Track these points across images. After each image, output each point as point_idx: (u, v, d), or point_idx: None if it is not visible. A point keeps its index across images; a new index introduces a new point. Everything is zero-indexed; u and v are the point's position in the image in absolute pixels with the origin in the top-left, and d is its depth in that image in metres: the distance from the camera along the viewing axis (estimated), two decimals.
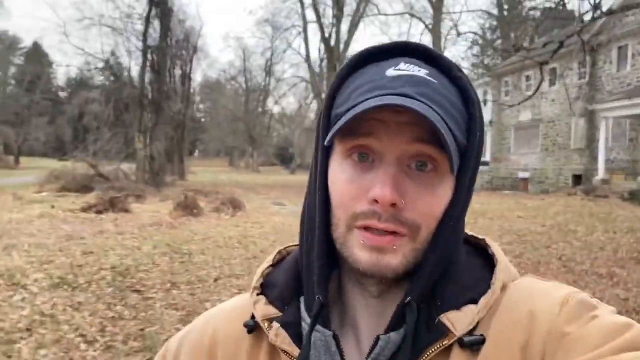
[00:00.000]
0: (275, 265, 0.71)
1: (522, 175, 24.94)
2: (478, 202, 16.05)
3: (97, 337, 4.07)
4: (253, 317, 0.65)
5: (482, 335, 0.57)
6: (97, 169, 20.67)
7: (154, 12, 21.85)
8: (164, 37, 22.99)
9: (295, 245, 0.72)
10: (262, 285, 0.68)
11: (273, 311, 0.64)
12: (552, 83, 23.40)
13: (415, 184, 0.57)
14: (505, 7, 37.70)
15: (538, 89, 7.50)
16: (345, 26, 29.44)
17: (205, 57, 45.91)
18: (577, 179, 21.29)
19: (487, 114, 27.26)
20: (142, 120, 20.80)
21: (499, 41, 38.06)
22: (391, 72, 0.58)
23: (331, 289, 0.63)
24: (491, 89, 27.93)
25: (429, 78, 0.58)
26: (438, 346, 0.57)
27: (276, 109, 55.71)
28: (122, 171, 21.96)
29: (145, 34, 21.34)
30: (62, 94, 58.22)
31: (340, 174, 0.59)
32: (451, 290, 0.60)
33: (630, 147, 19.10)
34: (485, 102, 27.53)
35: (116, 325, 4.37)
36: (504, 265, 0.64)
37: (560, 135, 22.88)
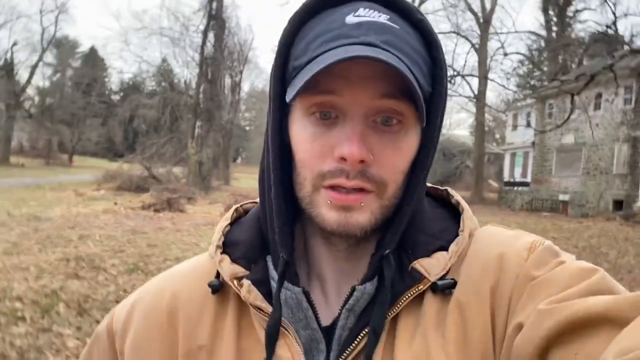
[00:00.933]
0: (232, 223, 0.69)
1: (562, 197, 24.98)
2: (515, 222, 16.43)
3: None
4: (217, 276, 0.64)
5: (452, 279, 0.59)
6: (150, 171, 21.99)
7: (210, 25, 23.13)
8: (219, 49, 24.25)
9: (252, 202, 0.73)
10: (223, 243, 0.66)
11: (240, 270, 0.63)
12: (597, 107, 23.48)
13: (381, 139, 0.56)
14: (554, 28, 37.72)
15: (568, 118, 8.00)
16: None
17: (254, 67, 47.22)
18: (618, 205, 21.28)
19: (530, 135, 27.42)
20: (195, 127, 22.03)
21: (546, 63, 38.02)
22: (351, 19, 0.55)
23: (297, 245, 0.63)
24: (535, 111, 28.07)
25: (390, 23, 0.56)
26: (413, 291, 0.58)
27: None
28: (173, 174, 23.27)
29: (202, 46, 22.64)
30: (115, 97, 60.80)
31: (303, 132, 0.57)
32: (421, 239, 0.61)
33: None
34: (528, 123, 27.71)
35: None
36: (469, 213, 0.66)
37: (602, 159, 22.90)
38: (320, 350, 0.60)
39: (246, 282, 0.61)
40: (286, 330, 0.59)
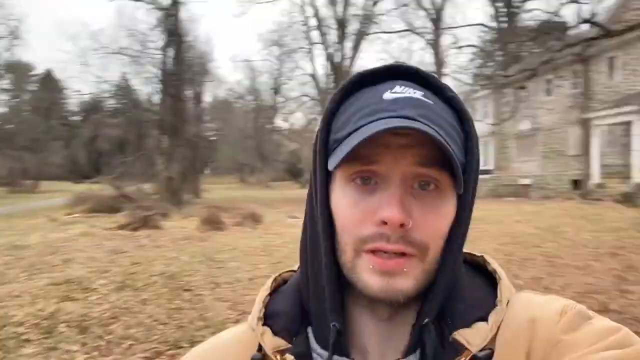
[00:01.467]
0: (272, 293, 0.70)
1: (523, 181, 26.01)
2: (479, 209, 17.07)
3: (168, 321, 5.28)
4: (259, 349, 0.64)
5: (490, 348, 0.59)
6: (121, 190, 22.02)
7: (169, 41, 23.35)
8: (179, 64, 24.44)
9: (289, 271, 0.73)
10: (264, 315, 0.66)
11: (282, 342, 0.63)
12: (548, 93, 24.56)
13: (419, 203, 0.57)
14: (502, 19, 38.98)
15: (515, 111, 8.59)
16: (349, 44, 30.91)
17: (214, 78, 47.43)
18: (576, 184, 22.32)
19: (489, 124, 28.41)
20: (162, 144, 22.22)
21: (498, 53, 39.25)
22: (388, 95, 0.59)
23: None
24: (492, 101, 29.08)
25: (425, 99, 0.59)
26: None
27: (284, 125, 57.22)
28: (143, 191, 23.32)
29: (164, 63, 22.84)
30: (75, 118, 60.06)
31: (343, 199, 0.59)
32: (460, 309, 0.61)
33: (624, 152, 20.15)
34: (485, 112, 28.70)
35: (180, 313, 5.57)
36: (506, 281, 0.66)
37: (558, 142, 23.98)
38: None
39: (289, 357, 0.61)
40: None
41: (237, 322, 5.18)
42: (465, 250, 0.67)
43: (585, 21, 8.42)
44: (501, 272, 0.67)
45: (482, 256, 0.70)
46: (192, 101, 32.78)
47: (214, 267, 8.25)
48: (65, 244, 11.19)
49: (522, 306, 0.63)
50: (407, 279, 0.57)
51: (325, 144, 0.61)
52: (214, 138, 71.18)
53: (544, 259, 8.74)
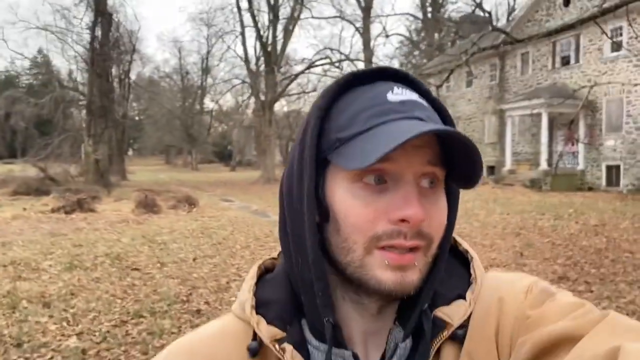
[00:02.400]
0: (257, 282, 0.69)
1: None
2: None
3: (124, 296, 5.76)
4: (254, 338, 0.63)
5: (465, 325, 0.63)
6: (46, 172, 21.50)
7: (98, 20, 22.81)
8: (107, 44, 23.89)
9: (271, 259, 0.74)
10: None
11: (277, 332, 0.62)
12: (468, 84, 26.17)
13: (428, 200, 0.60)
14: (429, 9, 40.60)
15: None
16: (281, 28, 31.24)
17: (141, 57, 46.03)
18: (491, 170, 24.09)
19: None
20: (91, 125, 21.82)
21: (424, 42, 40.90)
22: (392, 97, 0.61)
23: None
24: None
25: (422, 101, 0.62)
26: (439, 339, 0.62)
27: (212, 106, 56.63)
28: (69, 174, 22.83)
29: (92, 44, 22.31)
30: None
31: (352, 199, 0.59)
32: (439, 290, 0.65)
33: (533, 141, 22.00)
34: None
35: (133, 289, 6.05)
36: (478, 261, 0.70)
37: (476, 130, 25.67)
38: None
39: (289, 347, 0.61)
40: None
41: (189, 295, 5.78)
42: None
43: (495, 29, 9.40)
44: (472, 252, 0.70)
45: (453, 237, 0.72)
46: (118, 81, 32.04)
47: (157, 249, 8.68)
48: None
49: (491, 286, 0.66)
50: (416, 272, 0.59)
51: (317, 139, 0.61)
52: (138, 118, 69.15)
53: None
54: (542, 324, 0.57)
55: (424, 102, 0.62)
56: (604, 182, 19.14)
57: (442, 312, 0.63)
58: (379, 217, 0.58)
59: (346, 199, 0.60)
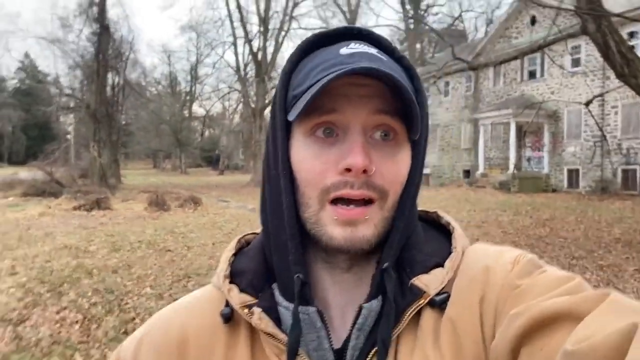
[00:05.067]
0: (236, 253, 0.73)
1: (424, 171, 29.60)
2: None
3: (169, 266, 7.51)
4: (227, 305, 0.66)
5: (447, 292, 0.62)
6: (53, 176, 23.06)
7: (100, 33, 24.47)
8: (105, 52, 25.50)
9: (252, 234, 0.77)
10: (230, 273, 0.69)
11: (248, 298, 0.65)
12: (446, 94, 28.23)
13: (380, 152, 0.60)
14: (411, 21, 42.67)
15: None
16: (270, 39, 33.06)
17: (133, 64, 47.48)
18: (466, 173, 26.13)
19: None
20: (96, 131, 23.47)
21: (406, 52, 42.99)
22: (345, 50, 0.61)
23: None
24: None
25: (379, 55, 0.62)
26: (415, 306, 0.61)
27: (201, 111, 58.04)
28: (73, 177, 24.40)
29: (97, 55, 23.96)
30: None
31: (305, 151, 0.61)
32: (418, 257, 0.65)
33: (503, 147, 24.06)
34: None
35: (174, 263, 7.80)
36: (460, 232, 0.70)
37: (453, 137, 27.73)
38: None
39: (257, 310, 0.63)
40: (297, 354, 0.61)
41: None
42: None
43: (456, 58, 11.32)
44: (455, 224, 0.71)
45: (435, 212, 0.75)
46: (112, 88, 33.59)
47: (179, 238, 10.41)
48: (31, 222, 12.77)
49: (477, 256, 0.66)
50: (369, 227, 0.60)
51: (284, 100, 0.63)
52: (125, 122, 70.15)
53: None
54: (533, 295, 0.57)
55: (382, 56, 0.62)
56: (565, 184, 21.21)
57: (419, 280, 0.63)
58: (329, 169, 0.60)
59: (299, 154, 0.62)
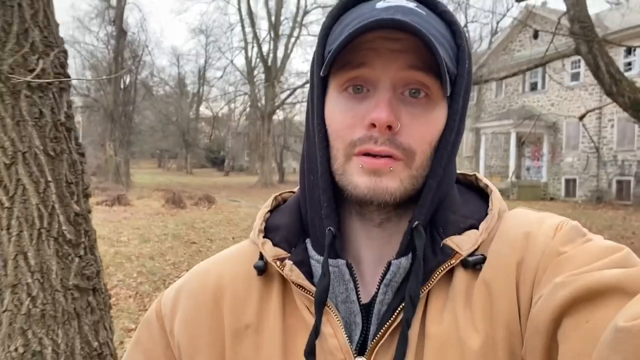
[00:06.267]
0: (272, 210, 0.75)
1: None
2: None
3: (199, 254, 8.38)
4: (261, 258, 0.68)
5: (482, 254, 0.62)
6: None
7: (118, 35, 25.48)
8: (122, 54, 26.49)
9: (289, 192, 0.78)
10: (265, 228, 0.71)
11: (281, 252, 0.67)
12: None
13: (409, 110, 0.59)
14: None
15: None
16: (280, 44, 34.03)
17: (145, 65, 48.60)
18: None
19: None
20: (113, 131, 24.43)
21: None
22: (381, 4, 0.60)
23: None
24: None
25: (417, 9, 0.60)
26: (445, 266, 0.61)
27: (207, 113, 58.87)
28: (88, 175, 25.31)
29: (116, 59, 24.95)
30: None
31: (336, 106, 0.61)
32: (451, 218, 0.64)
33: (504, 156, 24.91)
34: None
35: (201, 255, 8.66)
36: (497, 194, 0.68)
37: None
38: (357, 323, 0.63)
39: (288, 262, 0.65)
40: (326, 305, 0.62)
41: None
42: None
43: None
44: (492, 186, 0.70)
45: (474, 174, 0.73)
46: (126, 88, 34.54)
47: (200, 232, 11.29)
48: None
49: (517, 221, 0.65)
50: (393, 179, 0.59)
51: (321, 57, 0.63)
52: (132, 122, 70.71)
53: None
54: (578, 264, 0.55)
55: (421, 11, 0.60)
56: (563, 193, 22.06)
57: (452, 241, 0.63)
58: (356, 124, 0.60)
59: (332, 109, 0.62)
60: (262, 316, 0.66)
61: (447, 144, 0.62)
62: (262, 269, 0.67)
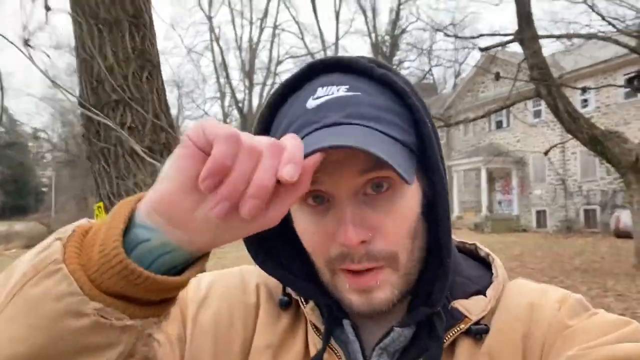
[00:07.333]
0: None
1: None
2: None
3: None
4: (284, 290, 0.68)
5: (486, 325, 0.60)
6: (50, 228, 24.05)
7: None
8: None
9: None
10: None
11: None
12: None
13: (375, 210, 0.56)
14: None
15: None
16: (255, 93, 35.02)
17: None
18: None
19: None
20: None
21: None
22: (311, 103, 0.56)
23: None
24: None
25: (349, 94, 0.56)
26: (455, 331, 0.60)
27: None
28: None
29: None
30: None
31: (301, 221, 0.59)
32: (458, 281, 0.63)
33: (476, 191, 25.94)
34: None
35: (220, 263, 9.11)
36: (499, 262, 0.68)
37: None
38: None
39: (311, 303, 0.64)
40: (335, 354, 0.62)
41: None
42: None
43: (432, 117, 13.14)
44: (494, 255, 0.69)
45: (474, 244, 0.72)
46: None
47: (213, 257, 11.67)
48: None
49: (520, 291, 0.64)
50: (384, 290, 0.57)
51: None
52: None
53: None
54: (588, 337, 0.54)
55: (354, 93, 0.56)
56: (534, 224, 23.00)
57: (460, 304, 0.61)
58: (329, 240, 0.57)
59: (299, 221, 0.60)
60: (284, 346, 0.66)
61: (436, 215, 0.60)
62: (287, 304, 0.67)
